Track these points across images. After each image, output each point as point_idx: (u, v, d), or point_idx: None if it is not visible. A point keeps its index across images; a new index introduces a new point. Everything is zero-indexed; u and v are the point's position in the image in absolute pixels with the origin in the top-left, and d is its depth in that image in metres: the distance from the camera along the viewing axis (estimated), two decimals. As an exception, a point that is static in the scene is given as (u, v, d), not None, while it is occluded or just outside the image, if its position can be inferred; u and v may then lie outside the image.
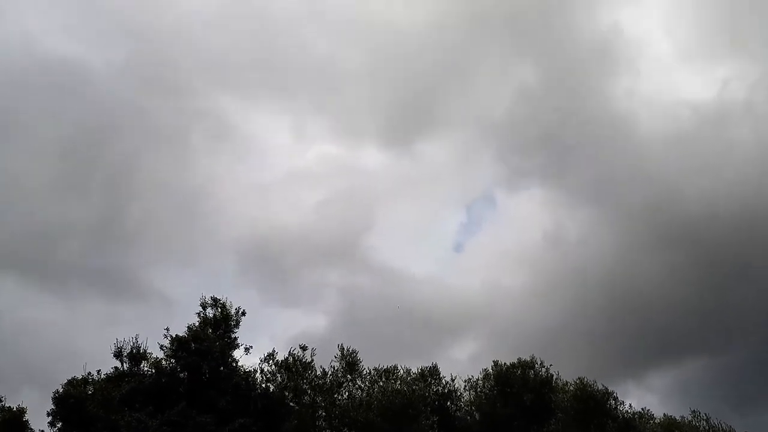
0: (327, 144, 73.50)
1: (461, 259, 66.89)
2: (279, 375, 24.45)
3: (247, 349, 22.86)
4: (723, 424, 28.72)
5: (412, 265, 77.50)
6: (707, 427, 29.25)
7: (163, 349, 21.58)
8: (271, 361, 24.82)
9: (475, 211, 75.90)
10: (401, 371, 28.12)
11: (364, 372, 26.34)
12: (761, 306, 46.72)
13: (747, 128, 60.16)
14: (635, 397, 50.82)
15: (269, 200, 67.68)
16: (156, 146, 65.59)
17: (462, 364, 44.64)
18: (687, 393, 44.97)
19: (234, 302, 23.67)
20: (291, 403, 23.18)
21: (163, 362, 21.66)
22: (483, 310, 53.40)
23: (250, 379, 22.23)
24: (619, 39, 65.42)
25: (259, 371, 24.25)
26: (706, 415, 29.06)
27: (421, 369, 28.63)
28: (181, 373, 21.38)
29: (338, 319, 53.49)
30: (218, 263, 60.86)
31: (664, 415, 31.79)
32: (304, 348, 24.78)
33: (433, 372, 28.54)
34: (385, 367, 27.93)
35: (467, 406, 28.11)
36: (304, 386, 23.68)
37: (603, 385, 27.08)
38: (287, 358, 24.57)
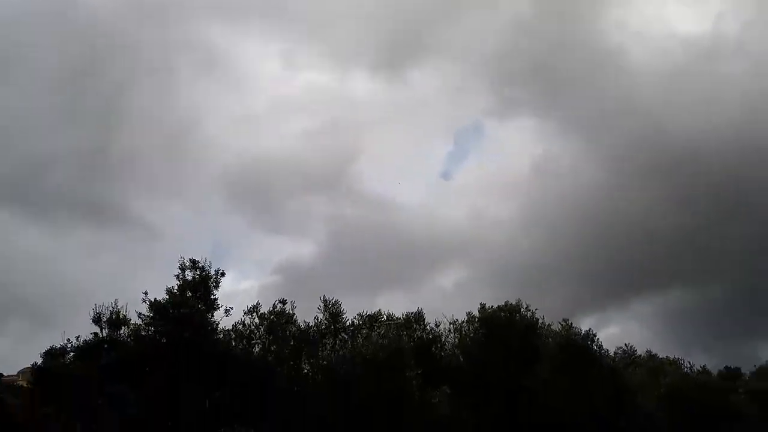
0: (316, 72, 72.45)
1: (449, 187, 67.10)
2: (260, 330, 24.39)
3: (227, 311, 22.61)
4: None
5: (399, 193, 77.74)
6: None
7: (141, 317, 21.32)
8: (254, 314, 24.77)
9: (464, 139, 75.75)
10: (384, 317, 28.22)
11: (348, 323, 26.35)
12: (744, 240, 47.20)
13: (738, 66, 59.45)
14: (618, 323, 51.79)
15: (257, 129, 67.22)
16: (145, 77, 64.65)
17: (447, 294, 45.23)
18: (668, 321, 45.80)
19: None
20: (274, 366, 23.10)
21: (142, 331, 21.44)
22: (469, 240, 53.80)
23: (231, 347, 22.07)
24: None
25: (241, 325, 24.27)
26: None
27: (405, 315, 28.68)
28: (162, 339, 21.24)
29: (324, 247, 54.00)
30: (206, 193, 60.81)
31: (647, 351, 32.42)
32: (284, 302, 24.60)
33: (417, 318, 28.57)
34: (369, 313, 28.01)
35: (452, 349, 28.34)
36: (286, 351, 23.54)
37: (587, 330, 27.48)
38: (269, 315, 24.43)
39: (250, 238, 60.68)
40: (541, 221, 53.27)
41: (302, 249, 62.60)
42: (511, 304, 27.39)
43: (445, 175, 72.70)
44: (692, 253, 47.04)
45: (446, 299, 40.59)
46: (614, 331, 47.86)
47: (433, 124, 72.35)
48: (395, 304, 43.43)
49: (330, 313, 25.90)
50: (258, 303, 24.55)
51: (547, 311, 28.23)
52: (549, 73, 60.67)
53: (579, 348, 25.65)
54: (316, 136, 62.97)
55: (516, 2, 62.38)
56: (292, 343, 24.03)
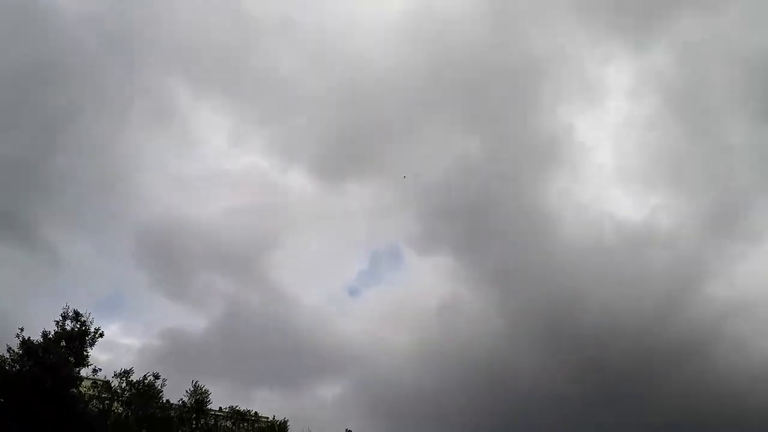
0: (259, 156, 74.12)
1: (354, 303, 68.02)
2: (125, 396, 24.59)
3: (95, 371, 22.86)
4: None
5: (305, 294, 78.20)
6: None
7: (9, 352, 21.40)
8: (123, 379, 24.98)
9: (380, 260, 77.22)
10: (252, 416, 28.54)
11: (212, 413, 26.64)
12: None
13: (663, 258, 61.96)
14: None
15: (188, 194, 67.76)
16: (99, 104, 64.76)
17: (326, 405, 45.42)
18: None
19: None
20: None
21: (6, 365, 21.46)
22: (360, 359, 54.27)
23: (90, 406, 22.19)
24: (569, 141, 67.08)
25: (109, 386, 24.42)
26: None
27: (272, 420, 29.07)
28: (24, 381, 21.20)
29: (217, 325, 54.00)
30: (121, 239, 60.74)
31: None
32: (156, 376, 24.94)
33: (281, 427, 28.96)
34: (238, 409, 28.33)
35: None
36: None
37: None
38: (138, 384, 24.70)
39: (148, 296, 60.46)
40: (433, 357, 53.98)
41: (195, 321, 62.53)
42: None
43: (353, 291, 73.92)
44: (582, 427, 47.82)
45: (322, 410, 40.76)
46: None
47: (355, 237, 73.67)
48: (270, 403, 43.56)
49: (196, 400, 26.25)
50: (131, 369, 25.00)
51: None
52: (480, 218, 62.79)
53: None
54: (241, 215, 63.93)
55: (467, 142, 65.16)
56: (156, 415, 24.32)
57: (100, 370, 23.04)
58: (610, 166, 73.32)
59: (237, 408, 28.37)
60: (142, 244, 59.41)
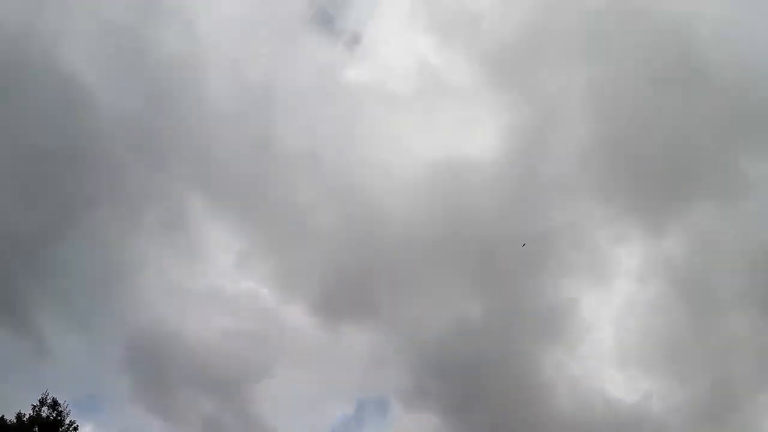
0: (262, 282, 74.39)
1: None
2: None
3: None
4: None
5: (284, 430, 76.38)
6: None
7: (-20, 428, 21.18)
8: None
9: (366, 410, 75.50)
10: None
11: None
12: None
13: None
14: None
15: (185, 306, 67.32)
16: (114, 200, 65.45)
17: None
18: None
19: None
20: None
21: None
22: None
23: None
24: (571, 315, 67.03)
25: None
26: None
27: None
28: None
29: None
30: (111, 337, 59.99)
31: None
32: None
33: None
34: None
35: None
36: None
37: None
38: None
39: (128, 404, 59.06)
40: None
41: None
42: None
43: (335, 438, 72.38)
44: None
45: None
46: None
47: (344, 380, 72.36)
48: None
49: None
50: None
51: None
52: (472, 381, 61.95)
53: None
54: (234, 339, 63.31)
55: (468, 304, 65.26)
56: None
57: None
58: (608, 345, 72.96)
59: None
60: (130, 349, 58.48)
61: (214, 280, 72.59)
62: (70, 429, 22.46)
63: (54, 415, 22.28)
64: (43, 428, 21.95)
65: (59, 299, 57.61)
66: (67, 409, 22.36)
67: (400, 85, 72.27)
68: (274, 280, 74.35)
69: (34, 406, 22.23)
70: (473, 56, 68.58)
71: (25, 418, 21.80)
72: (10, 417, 21.72)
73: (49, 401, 22.32)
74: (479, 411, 64.20)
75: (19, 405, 21.85)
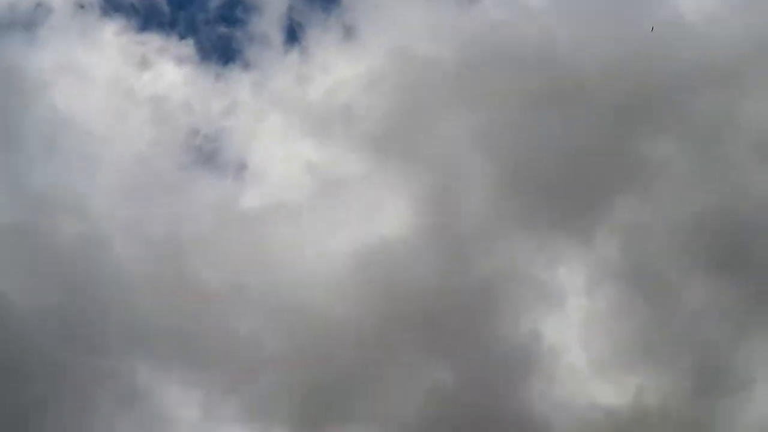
0: (236, 426, 72.32)
1: None
2: None
3: None
4: None
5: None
6: None
7: None
8: None
9: None
10: None
11: None
12: None
13: None
14: None
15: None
16: (63, 398, 63.32)
17: None
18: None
19: None
20: None
21: None
22: None
23: None
24: (538, 347, 66.96)
25: None
26: None
27: None
28: None
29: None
30: None
31: None
32: None
33: None
34: None
35: None
36: None
37: None
38: None
39: None
40: None
41: None
42: None
43: None
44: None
45: None
46: None
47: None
48: None
49: None
50: None
51: None
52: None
53: None
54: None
55: (436, 373, 64.58)
56: None
57: None
58: (583, 360, 73.26)
59: None
60: None
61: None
62: None
63: None
64: None
65: None
66: None
67: (296, 195, 72.84)
68: (248, 416, 72.47)
69: None
70: (356, 143, 69.91)
71: None
72: None
73: None
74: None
75: None
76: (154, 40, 68.22)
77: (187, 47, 65.45)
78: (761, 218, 59.23)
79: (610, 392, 67.70)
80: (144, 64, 67.40)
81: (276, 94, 67.50)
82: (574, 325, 73.76)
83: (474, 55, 62.29)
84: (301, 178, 68.83)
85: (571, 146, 61.66)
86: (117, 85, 65.67)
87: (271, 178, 71.22)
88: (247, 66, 63.45)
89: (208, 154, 69.94)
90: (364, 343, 63.97)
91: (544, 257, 67.66)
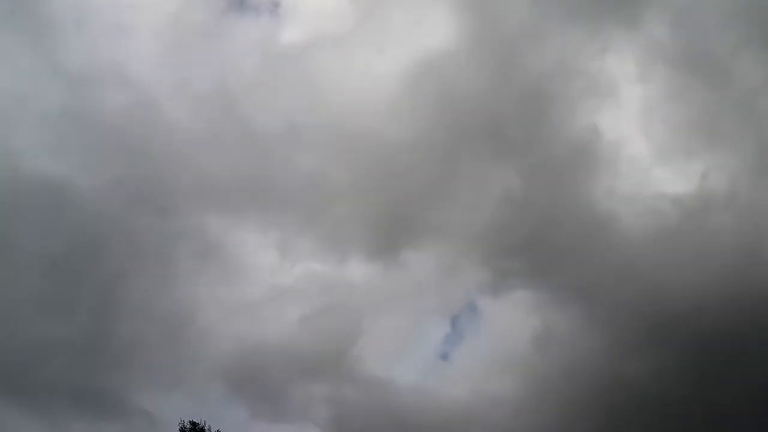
0: (313, 260, 73.74)
1: (448, 369, 66.21)
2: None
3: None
4: None
5: (399, 375, 76.64)
6: None
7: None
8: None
9: (461, 319, 75.45)
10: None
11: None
12: (755, 393, 46.38)
13: (729, 218, 60.53)
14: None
15: (254, 318, 67.14)
16: (142, 267, 65.22)
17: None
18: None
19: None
20: None
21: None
22: (473, 420, 52.71)
23: None
24: (598, 141, 66.53)
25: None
26: None
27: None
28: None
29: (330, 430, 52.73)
30: (205, 383, 59.99)
31: None
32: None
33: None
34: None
35: None
36: None
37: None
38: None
39: (251, 428, 59.30)
40: (544, 393, 52.21)
41: (305, 435, 61.29)
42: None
43: (444, 357, 71.92)
44: (702, 412, 45.99)
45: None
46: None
47: (429, 305, 72.25)
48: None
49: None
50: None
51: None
52: (541, 245, 61.62)
53: None
54: (314, 321, 63.03)
55: (503, 180, 64.56)
56: None
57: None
58: (644, 150, 72.17)
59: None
60: (229, 380, 58.82)
61: (269, 280, 72.19)
62: None
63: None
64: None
65: (142, 374, 57.82)
66: (207, 425, 22.69)
67: (335, 23, 71.22)
68: (322, 250, 74.41)
69: None
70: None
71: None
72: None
73: (188, 426, 22.54)
74: (560, 267, 63.95)
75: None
76: None
77: None
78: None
79: (676, 180, 66.85)
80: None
81: None
82: (631, 116, 72.16)
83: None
84: (338, 4, 67.04)
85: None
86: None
87: (308, 10, 69.54)
88: None
89: (238, -2, 68.12)
90: (428, 160, 63.85)
91: (592, 48, 65.50)
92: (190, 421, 23.11)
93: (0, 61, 69.57)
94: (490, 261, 67.55)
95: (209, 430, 23.00)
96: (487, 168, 68.49)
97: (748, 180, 65.90)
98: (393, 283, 70.23)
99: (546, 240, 64.32)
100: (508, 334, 65.79)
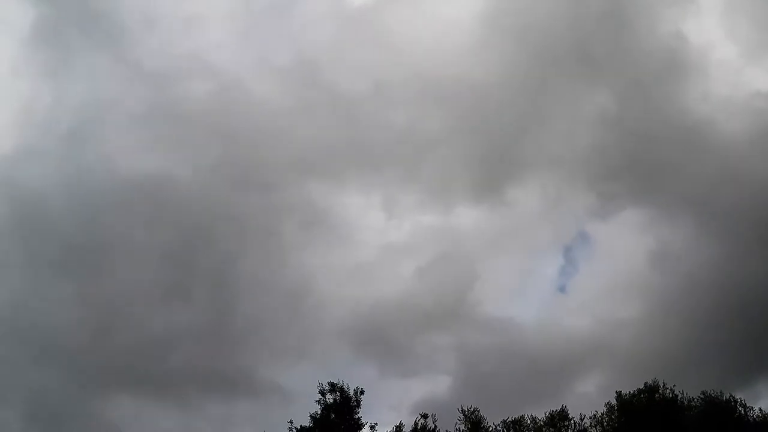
0: (419, 213, 74.39)
1: (566, 300, 66.15)
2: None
3: (372, 427, 24.01)
4: None
5: (519, 313, 77.07)
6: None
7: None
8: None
9: (573, 250, 74.96)
10: (528, 420, 28.49)
11: (491, 429, 26.83)
12: None
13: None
14: (768, 397, 49.00)
15: (369, 279, 68.48)
16: (253, 245, 67.15)
17: (593, 400, 44.11)
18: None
19: (352, 383, 24.93)
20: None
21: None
22: (599, 347, 52.75)
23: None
24: (685, 47, 64.82)
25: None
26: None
27: (550, 413, 28.86)
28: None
29: (457, 379, 53.50)
30: (331, 349, 61.90)
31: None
32: (425, 416, 25.59)
33: (561, 416, 28.67)
34: (512, 418, 28.39)
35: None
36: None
37: (730, 395, 26.90)
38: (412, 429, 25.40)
39: (381, 386, 60.87)
40: (667, 311, 51.80)
41: (436, 386, 62.56)
42: (649, 384, 27.34)
43: (561, 288, 71.62)
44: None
45: (594, 405, 39.76)
46: (765, 406, 45.11)
47: (540, 239, 72.17)
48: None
49: (471, 422, 26.56)
50: (401, 423, 25.81)
51: (692, 392, 27.93)
52: (643, 162, 60.62)
53: (725, 412, 25.15)
54: (428, 273, 63.90)
55: (597, 100, 63.52)
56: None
57: (377, 424, 24.30)
58: (733, 51, 69.79)
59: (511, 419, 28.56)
60: (353, 343, 60.53)
61: (379, 240, 73.45)
62: (359, 395, 24.08)
63: (338, 395, 23.78)
64: (339, 410, 23.44)
65: (271, 351, 60.20)
66: (345, 383, 23.96)
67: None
68: (428, 200, 75.13)
69: (318, 400, 23.93)
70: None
71: (317, 414, 23.37)
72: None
73: (326, 387, 23.82)
74: (667, 181, 63.17)
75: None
76: None
77: None
78: None
79: (768, 77, 64.05)
80: None
81: None
82: (714, 18, 69.57)
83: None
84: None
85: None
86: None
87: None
88: None
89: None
90: (518, 95, 63.60)
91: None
92: (328, 382, 24.22)
93: (81, 70, 73.19)
94: (594, 185, 66.84)
95: (348, 387, 24.10)
96: (578, 92, 67.58)
97: None
98: (501, 222, 70.45)
99: (647, 156, 63.31)
100: (623, 256, 65.20)
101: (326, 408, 23.44)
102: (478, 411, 26.91)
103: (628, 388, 28.08)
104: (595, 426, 28.13)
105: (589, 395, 42.61)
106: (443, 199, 72.36)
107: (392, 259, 70.14)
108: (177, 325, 54.94)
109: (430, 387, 59.57)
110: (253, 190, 71.50)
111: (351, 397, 23.83)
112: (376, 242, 73.58)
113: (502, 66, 64.16)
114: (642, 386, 27.76)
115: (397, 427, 25.53)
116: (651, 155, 61.52)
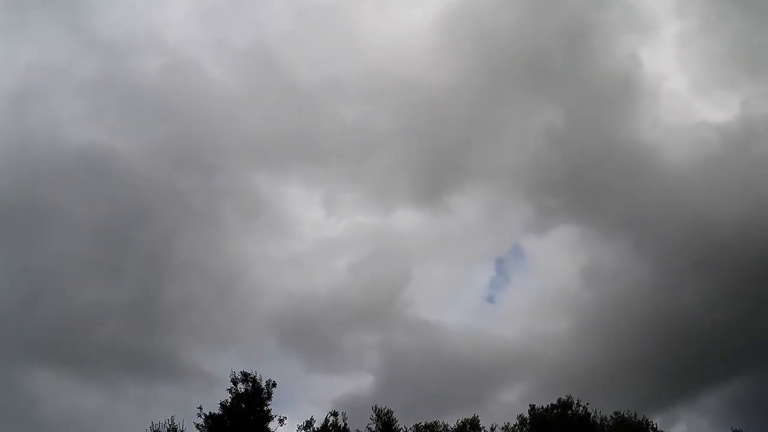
0: (359, 211, 74.30)
1: (496, 310, 66.92)
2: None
3: (281, 420, 23.68)
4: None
5: (448, 319, 77.55)
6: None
7: (199, 428, 22.44)
8: (309, 429, 25.50)
9: (508, 259, 75.86)
10: (440, 427, 28.46)
11: (401, 431, 26.74)
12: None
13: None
14: (685, 422, 49.96)
15: (303, 272, 68.21)
16: (190, 227, 66.32)
17: (514, 409, 44.55)
18: (737, 412, 44.28)
19: (276, 375, 24.64)
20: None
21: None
22: (524, 358, 53.29)
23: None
24: (639, 73, 65.87)
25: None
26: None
27: (462, 421, 28.88)
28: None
29: (381, 378, 53.60)
30: (259, 338, 61.40)
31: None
32: (334, 414, 25.49)
33: (473, 424, 28.72)
34: (424, 423, 28.33)
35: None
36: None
37: (644, 416, 27.32)
38: (322, 426, 25.19)
39: (306, 380, 60.64)
40: (594, 328, 52.62)
41: (359, 382, 62.51)
42: (563, 400, 27.59)
43: (491, 299, 72.51)
44: (752, 341, 45.91)
45: (515, 414, 40.17)
46: (682, 429, 46.10)
47: (475, 249, 72.84)
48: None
49: (383, 422, 26.43)
50: (312, 418, 25.54)
51: (607, 411, 28.32)
52: (585, 180, 61.54)
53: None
54: (362, 270, 63.88)
55: (547, 115, 64.17)
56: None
57: (286, 418, 23.97)
58: (685, 82, 71.26)
59: (424, 423, 28.46)
60: (281, 334, 60.16)
61: (316, 234, 73.28)
62: (270, 388, 23.74)
63: (249, 385, 23.40)
64: (250, 400, 23.11)
65: (198, 335, 58.53)
66: (258, 374, 23.63)
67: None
68: (368, 199, 74.98)
69: (229, 389, 23.52)
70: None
71: (228, 403, 22.92)
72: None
73: (239, 377, 23.45)
74: (605, 201, 64.10)
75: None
76: None
77: None
78: None
79: (717, 108, 66.01)
80: None
81: None
82: (670, 48, 70.78)
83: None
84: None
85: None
86: None
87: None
88: None
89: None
90: (470, 103, 63.81)
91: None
92: (241, 372, 23.89)
93: (34, 34, 71.42)
94: (534, 198, 67.61)
95: (260, 379, 23.78)
96: (529, 105, 68.24)
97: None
98: (439, 228, 70.76)
99: (590, 175, 64.32)
100: (555, 271, 66.09)
101: (237, 397, 23.17)
102: (392, 412, 26.93)
103: (550, 400, 28.51)
104: (507, 437, 28.52)
105: (512, 404, 42.91)
106: (385, 200, 72.37)
107: (328, 254, 69.88)
108: (106, 301, 53.78)
109: (354, 384, 59.36)
110: (196, 171, 70.61)
111: (263, 389, 23.58)
112: (314, 236, 73.32)
113: (457, 73, 64.49)
114: (555, 401, 28.33)
115: (307, 422, 25.46)
116: (594, 174, 62.44)
